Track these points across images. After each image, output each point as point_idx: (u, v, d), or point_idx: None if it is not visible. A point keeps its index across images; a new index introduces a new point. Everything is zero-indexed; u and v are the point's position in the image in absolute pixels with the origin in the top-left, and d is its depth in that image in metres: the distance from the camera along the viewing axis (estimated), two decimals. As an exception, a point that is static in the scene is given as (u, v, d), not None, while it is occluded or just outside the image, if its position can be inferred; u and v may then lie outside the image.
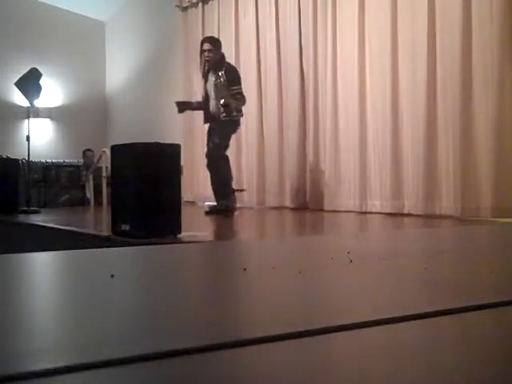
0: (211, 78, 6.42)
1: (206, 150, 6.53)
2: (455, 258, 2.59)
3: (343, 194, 6.84)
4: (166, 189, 3.92)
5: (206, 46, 6.46)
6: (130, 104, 11.49)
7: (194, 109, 6.98)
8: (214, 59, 6.41)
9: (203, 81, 6.61)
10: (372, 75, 6.55)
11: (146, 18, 11.10)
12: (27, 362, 1.04)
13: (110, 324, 1.36)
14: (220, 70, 6.35)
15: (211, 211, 6.41)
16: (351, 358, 1.12)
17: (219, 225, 5.70)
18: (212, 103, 6.42)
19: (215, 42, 6.62)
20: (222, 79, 6.30)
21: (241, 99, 6.32)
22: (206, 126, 6.65)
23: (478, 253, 2.84)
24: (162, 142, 4.09)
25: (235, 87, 6.28)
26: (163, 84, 10.44)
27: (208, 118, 6.55)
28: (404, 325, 1.32)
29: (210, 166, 6.43)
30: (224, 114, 6.17)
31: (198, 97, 6.96)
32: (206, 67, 6.48)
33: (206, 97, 6.52)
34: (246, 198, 8.13)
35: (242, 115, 6.48)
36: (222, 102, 6.11)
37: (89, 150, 10.45)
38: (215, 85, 6.34)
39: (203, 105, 6.58)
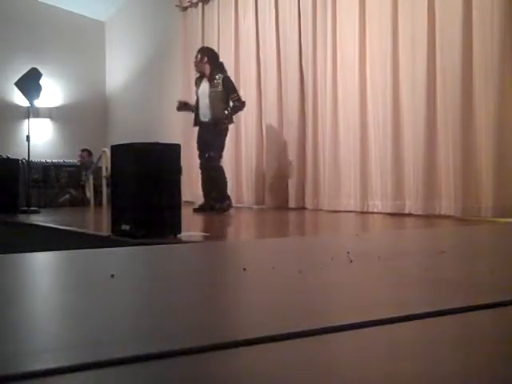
0: (204, 87, 6.73)
1: (200, 160, 6.96)
2: (455, 257, 2.59)
3: (343, 194, 6.83)
4: (165, 189, 3.92)
5: (197, 57, 6.89)
6: (130, 104, 11.48)
7: (190, 110, 7.16)
8: (208, 69, 6.75)
9: (196, 87, 6.97)
10: (372, 74, 6.54)
11: (145, 18, 11.09)
12: (27, 362, 1.04)
13: (110, 324, 1.35)
14: (215, 80, 6.67)
15: (199, 209, 6.89)
16: (351, 357, 1.12)
17: (219, 225, 5.70)
18: (204, 111, 6.70)
19: (208, 53, 6.95)
20: (218, 89, 6.63)
21: (240, 105, 6.79)
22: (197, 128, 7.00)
23: (478, 253, 2.84)
24: (161, 141, 4.10)
25: (234, 95, 6.71)
26: (163, 84, 10.43)
27: (198, 122, 6.90)
28: (404, 325, 1.32)
29: (207, 175, 6.86)
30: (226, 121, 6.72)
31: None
32: (198, 75, 6.90)
33: (197, 102, 6.84)
34: (244, 198, 8.14)
35: (233, 122, 6.98)
36: (226, 112, 6.67)
37: (84, 150, 10.40)
38: (210, 94, 6.65)
39: (194, 109, 6.96)
